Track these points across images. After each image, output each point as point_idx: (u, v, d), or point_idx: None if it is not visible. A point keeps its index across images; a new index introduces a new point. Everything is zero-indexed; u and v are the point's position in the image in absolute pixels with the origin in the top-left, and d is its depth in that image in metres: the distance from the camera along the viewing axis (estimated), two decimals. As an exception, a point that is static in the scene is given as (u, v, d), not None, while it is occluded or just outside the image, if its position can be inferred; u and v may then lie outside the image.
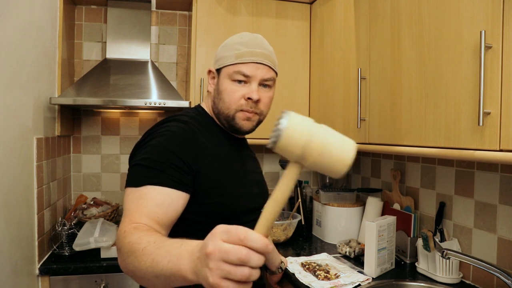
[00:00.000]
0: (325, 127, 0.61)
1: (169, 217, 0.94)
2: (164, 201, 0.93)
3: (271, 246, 0.59)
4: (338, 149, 0.59)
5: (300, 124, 0.59)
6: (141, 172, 0.97)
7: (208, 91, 1.18)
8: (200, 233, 0.88)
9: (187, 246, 0.67)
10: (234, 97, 1.09)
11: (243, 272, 0.55)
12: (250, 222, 0.98)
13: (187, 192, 0.98)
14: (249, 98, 1.08)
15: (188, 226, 1.02)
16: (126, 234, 0.83)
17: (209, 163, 1.04)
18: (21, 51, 1.49)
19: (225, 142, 1.15)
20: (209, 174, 1.03)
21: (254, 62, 1.09)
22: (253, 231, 0.59)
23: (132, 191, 0.94)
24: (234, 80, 1.09)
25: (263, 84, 1.11)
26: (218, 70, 1.13)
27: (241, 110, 1.10)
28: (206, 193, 1.03)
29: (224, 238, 0.58)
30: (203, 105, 1.20)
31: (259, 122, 1.16)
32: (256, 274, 0.57)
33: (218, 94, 1.12)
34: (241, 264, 0.55)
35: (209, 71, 1.17)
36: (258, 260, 0.56)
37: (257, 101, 1.10)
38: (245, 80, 1.09)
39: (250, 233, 0.57)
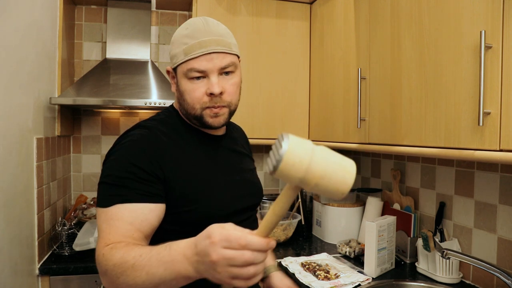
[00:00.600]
0: (324, 149, 0.59)
1: (145, 232, 0.90)
2: (136, 218, 0.90)
3: (273, 242, 0.64)
4: (339, 172, 0.58)
5: (301, 148, 0.56)
6: (107, 190, 0.92)
7: (172, 91, 1.10)
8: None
9: (177, 250, 0.70)
10: (196, 96, 1.00)
11: (249, 271, 0.61)
12: (238, 223, 0.96)
13: (160, 202, 0.94)
14: (211, 94, 0.99)
15: (167, 236, 0.93)
16: (106, 258, 0.81)
17: (178, 169, 0.97)
18: (21, 51, 1.49)
19: (197, 144, 1.07)
20: (179, 180, 0.97)
21: (205, 54, 0.98)
22: (252, 235, 0.62)
23: (102, 212, 0.91)
24: (191, 78, 0.99)
25: (224, 72, 1.01)
26: (174, 69, 1.04)
27: (207, 108, 1.01)
28: (179, 201, 0.97)
29: (226, 245, 0.61)
30: (175, 105, 1.13)
31: (231, 113, 1.06)
32: (262, 266, 0.63)
33: (180, 95, 1.04)
34: (247, 265, 0.61)
35: (168, 71, 1.08)
36: (262, 257, 0.62)
37: (220, 94, 1.00)
38: (202, 75, 0.99)
39: (250, 239, 0.61)
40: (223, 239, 0.61)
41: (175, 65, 1.02)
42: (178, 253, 0.69)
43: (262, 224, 0.64)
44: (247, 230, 0.65)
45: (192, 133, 1.07)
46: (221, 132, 1.14)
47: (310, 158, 0.56)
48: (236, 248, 0.61)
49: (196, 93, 1.00)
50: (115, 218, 0.89)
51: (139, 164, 0.92)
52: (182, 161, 0.99)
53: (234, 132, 1.24)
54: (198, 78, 0.99)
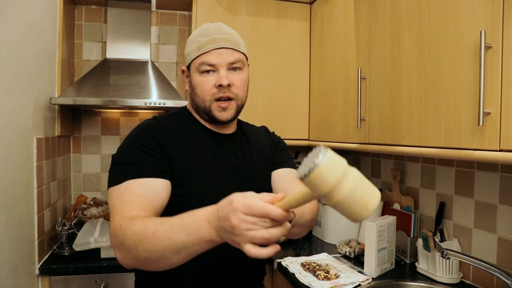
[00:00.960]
0: (356, 171, 0.60)
1: (156, 206, 0.95)
2: (148, 191, 0.95)
3: (292, 215, 0.68)
4: (365, 196, 0.59)
5: (336, 165, 0.58)
6: (119, 170, 0.98)
7: (186, 90, 1.19)
8: None
9: (200, 215, 0.73)
10: (206, 88, 1.08)
11: (264, 236, 0.65)
12: None
13: (166, 178, 1.00)
14: (220, 85, 1.07)
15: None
16: (124, 227, 0.84)
17: (178, 155, 1.04)
18: (21, 51, 1.49)
19: (202, 138, 1.13)
20: (177, 165, 1.03)
21: (215, 49, 1.07)
22: (273, 206, 0.65)
23: (114, 190, 0.96)
24: (202, 72, 1.08)
25: (232, 68, 1.09)
26: (188, 68, 1.13)
27: (216, 100, 1.08)
28: (180, 183, 1.02)
29: (246, 212, 0.65)
30: (188, 105, 1.21)
31: (238, 108, 1.13)
32: (277, 236, 0.66)
33: (192, 90, 1.12)
34: (265, 233, 0.65)
35: (183, 71, 1.17)
36: (278, 228, 0.66)
37: (229, 86, 1.08)
38: (212, 69, 1.07)
39: (271, 209, 0.64)
40: (245, 205, 0.65)
41: (189, 62, 1.11)
42: (202, 218, 0.73)
43: (287, 199, 0.67)
44: (268, 198, 0.67)
45: (199, 129, 1.14)
46: (230, 130, 1.19)
47: (342, 176, 0.57)
48: (256, 215, 0.65)
49: (206, 85, 1.08)
50: (128, 192, 0.93)
51: (147, 144, 1.01)
52: (183, 149, 1.06)
53: (250, 132, 1.26)
54: (208, 72, 1.08)
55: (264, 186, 1.22)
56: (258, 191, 1.16)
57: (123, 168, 0.98)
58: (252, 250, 0.65)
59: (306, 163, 0.59)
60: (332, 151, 0.59)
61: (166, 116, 1.14)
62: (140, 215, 0.89)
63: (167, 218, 0.80)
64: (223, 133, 1.17)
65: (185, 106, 1.22)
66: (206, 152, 1.11)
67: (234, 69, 1.10)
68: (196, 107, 1.12)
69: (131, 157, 0.99)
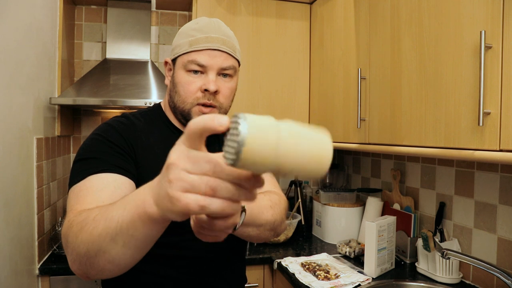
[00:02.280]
0: (289, 125, 0.47)
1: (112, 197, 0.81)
2: (107, 186, 0.82)
3: (259, 180, 0.47)
4: (314, 152, 0.48)
5: (264, 131, 0.43)
6: (80, 167, 0.87)
7: (165, 84, 1.07)
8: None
9: (147, 184, 0.55)
10: (190, 89, 0.97)
11: (209, 183, 0.43)
12: None
13: (132, 179, 0.88)
14: (206, 90, 0.96)
15: None
16: (71, 221, 0.70)
17: (148, 157, 0.94)
18: (21, 51, 1.49)
19: (174, 140, 1.00)
20: (147, 169, 0.92)
21: (209, 49, 0.96)
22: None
23: (72, 189, 0.84)
24: (189, 71, 0.97)
25: (222, 73, 0.99)
26: (174, 61, 1.02)
27: (198, 104, 0.98)
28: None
29: (191, 159, 0.45)
30: (162, 102, 1.11)
31: None
32: (234, 206, 0.45)
33: (173, 86, 1.01)
34: (212, 193, 0.44)
35: (166, 62, 1.05)
36: (237, 191, 0.45)
37: (215, 93, 0.97)
38: (201, 70, 0.97)
39: (222, 164, 0.44)
40: (189, 155, 0.46)
41: (176, 55, 1.00)
42: (145, 186, 0.55)
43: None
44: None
45: (171, 130, 1.05)
46: None
47: (276, 142, 0.43)
48: (201, 167, 0.44)
49: (191, 86, 0.97)
50: (84, 187, 0.82)
51: (114, 141, 0.91)
52: (152, 151, 0.97)
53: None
54: (196, 72, 0.97)
55: None
56: None
57: (84, 164, 0.87)
58: (189, 201, 0.43)
59: (228, 144, 0.43)
60: (250, 115, 0.43)
61: (138, 115, 1.04)
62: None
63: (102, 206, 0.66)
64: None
65: (159, 104, 1.11)
66: None
67: (224, 75, 1.00)
68: (174, 106, 1.02)
69: (94, 152, 0.88)
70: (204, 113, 0.97)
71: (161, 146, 0.98)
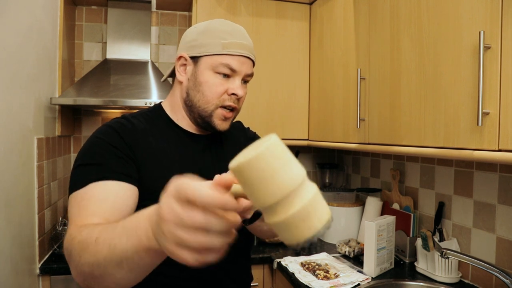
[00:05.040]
0: (314, 185, 0.46)
1: (119, 212, 0.81)
2: (109, 195, 0.82)
3: (244, 204, 0.49)
4: (315, 219, 0.45)
5: (279, 154, 0.45)
6: (81, 172, 0.86)
7: (178, 81, 1.03)
8: None
9: (145, 212, 0.55)
10: (217, 91, 0.97)
11: (198, 240, 0.44)
12: None
13: (134, 184, 0.88)
14: (233, 94, 0.98)
15: None
16: (72, 236, 0.71)
17: (149, 160, 0.93)
18: (22, 52, 1.49)
19: (176, 141, 1.01)
20: (148, 172, 0.91)
21: (241, 55, 0.99)
22: (209, 188, 0.45)
23: (73, 196, 0.84)
24: (218, 73, 0.97)
25: (244, 80, 1.02)
26: (195, 58, 0.99)
27: (221, 107, 0.99)
28: (144, 193, 0.89)
29: (179, 197, 0.45)
30: (165, 102, 1.09)
31: (233, 120, 1.05)
32: (220, 239, 0.45)
33: (195, 86, 0.99)
34: (197, 229, 0.44)
35: (180, 57, 1.01)
36: (220, 223, 0.44)
37: (239, 98, 1.00)
38: (230, 74, 0.98)
39: (199, 191, 0.44)
40: (175, 189, 0.45)
41: (203, 54, 0.98)
42: (144, 216, 0.54)
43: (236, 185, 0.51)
44: (212, 181, 0.49)
45: (174, 130, 1.03)
46: (206, 132, 1.07)
47: (300, 182, 0.44)
48: (183, 202, 0.44)
49: (218, 88, 0.98)
50: (86, 197, 0.82)
51: (114, 144, 0.89)
52: (155, 153, 0.95)
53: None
54: (224, 75, 0.98)
55: None
56: None
57: (85, 170, 0.86)
58: (188, 259, 0.45)
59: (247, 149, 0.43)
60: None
61: (139, 116, 1.01)
62: (96, 222, 0.76)
63: (116, 221, 0.66)
64: (200, 134, 1.05)
65: (160, 105, 1.08)
66: (180, 158, 0.99)
67: (245, 81, 1.03)
68: (192, 105, 1.00)
69: (95, 157, 0.87)
70: (226, 117, 1.00)
71: (163, 146, 0.98)
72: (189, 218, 0.44)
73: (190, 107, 1.01)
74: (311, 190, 0.45)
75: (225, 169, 0.98)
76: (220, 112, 0.99)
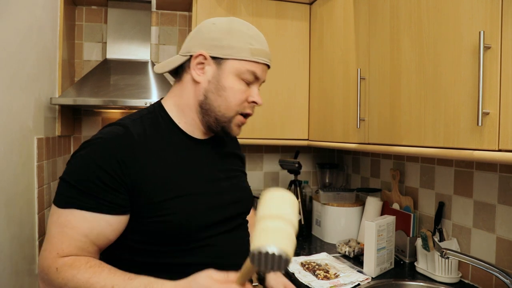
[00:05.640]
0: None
1: (100, 246, 0.86)
2: (92, 229, 0.83)
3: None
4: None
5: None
6: (66, 190, 0.85)
7: (194, 81, 0.96)
8: (143, 253, 0.89)
9: (167, 285, 0.78)
10: (240, 98, 0.95)
11: None
12: (222, 233, 0.95)
13: (121, 213, 0.86)
14: (253, 102, 0.98)
15: (129, 246, 0.90)
16: (63, 275, 0.78)
17: (149, 173, 0.88)
18: (22, 52, 1.49)
19: (178, 147, 0.96)
20: (148, 186, 0.87)
21: (265, 64, 0.97)
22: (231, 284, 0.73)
23: (56, 212, 0.84)
24: (243, 79, 0.95)
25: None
26: (218, 59, 0.94)
27: (240, 114, 0.98)
28: (146, 208, 0.88)
29: None
30: (167, 101, 1.02)
31: None
32: None
33: (217, 90, 0.94)
34: None
35: (199, 55, 0.94)
36: None
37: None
38: (252, 81, 0.96)
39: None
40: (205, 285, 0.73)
41: (229, 57, 0.93)
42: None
43: (240, 272, 0.73)
44: (230, 277, 0.74)
45: (175, 134, 0.98)
46: (207, 135, 1.04)
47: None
48: None
49: (242, 95, 0.96)
50: (70, 226, 0.82)
51: (106, 167, 0.84)
52: (155, 164, 0.90)
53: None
54: (247, 83, 0.96)
55: (248, 192, 1.13)
56: (245, 199, 1.10)
57: (71, 191, 0.84)
58: None
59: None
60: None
61: (137, 119, 0.94)
62: (78, 255, 0.81)
63: (119, 279, 0.77)
64: (201, 138, 1.02)
65: (160, 104, 1.01)
66: (184, 166, 0.95)
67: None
68: (210, 108, 0.95)
69: (83, 181, 0.83)
70: (242, 124, 1.00)
71: (165, 154, 0.93)
72: None
73: (206, 110, 0.96)
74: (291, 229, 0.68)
75: (225, 173, 1.03)
76: (239, 118, 0.98)
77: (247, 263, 0.68)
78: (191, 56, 0.95)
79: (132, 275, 0.79)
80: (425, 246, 1.50)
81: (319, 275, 1.53)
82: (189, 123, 1.00)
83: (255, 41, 0.95)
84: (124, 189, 0.86)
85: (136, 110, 1.06)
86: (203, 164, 1.00)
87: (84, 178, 0.84)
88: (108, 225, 0.85)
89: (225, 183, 1.02)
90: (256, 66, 0.95)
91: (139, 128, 0.92)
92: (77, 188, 0.83)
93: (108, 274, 0.78)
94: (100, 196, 0.83)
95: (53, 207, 0.85)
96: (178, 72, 1.02)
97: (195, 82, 0.96)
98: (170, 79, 2.39)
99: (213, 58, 0.94)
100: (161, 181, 0.89)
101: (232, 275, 0.74)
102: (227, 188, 1.02)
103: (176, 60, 0.98)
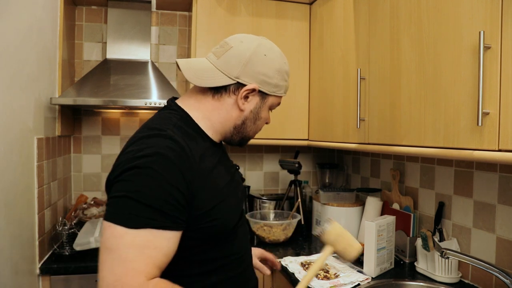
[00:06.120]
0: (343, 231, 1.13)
1: (168, 263, 0.85)
2: (170, 248, 0.83)
3: None
4: (353, 246, 1.12)
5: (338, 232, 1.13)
6: (139, 210, 0.80)
7: (239, 108, 1.01)
8: (198, 253, 0.95)
9: None
10: (263, 125, 1.09)
11: None
12: (240, 226, 1.06)
13: (183, 229, 0.88)
14: (266, 123, 1.10)
15: (187, 249, 0.92)
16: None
17: (203, 182, 0.91)
18: (22, 52, 1.49)
19: (210, 153, 1.00)
20: (206, 195, 0.91)
21: None
22: None
23: (125, 233, 0.78)
24: (270, 109, 1.09)
25: None
26: (264, 94, 1.03)
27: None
28: (203, 217, 0.91)
29: None
30: (193, 111, 1.01)
31: None
32: None
33: (255, 119, 1.04)
34: None
35: (253, 89, 1.00)
36: None
37: None
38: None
39: None
40: None
41: (273, 94, 1.04)
42: None
43: (304, 281, 1.06)
44: None
45: (204, 140, 1.00)
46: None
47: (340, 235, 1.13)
48: None
49: (265, 122, 1.09)
50: (152, 246, 0.79)
51: (177, 185, 0.84)
52: (203, 173, 0.92)
53: None
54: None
55: (243, 189, 1.24)
56: (244, 191, 1.22)
57: (143, 210, 0.80)
58: None
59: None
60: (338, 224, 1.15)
61: (177, 131, 0.93)
62: (158, 278, 0.82)
63: None
64: (218, 143, 1.08)
65: (187, 114, 1.00)
66: (219, 170, 1.00)
67: None
68: (240, 130, 1.04)
69: (158, 201, 0.81)
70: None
71: (206, 165, 0.94)
72: None
73: (238, 131, 1.05)
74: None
75: (231, 170, 1.14)
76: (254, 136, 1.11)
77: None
78: (238, 82, 0.99)
79: None
80: (425, 246, 1.50)
81: (319, 275, 1.53)
82: (215, 133, 1.04)
83: (288, 76, 1.07)
84: (187, 204, 0.86)
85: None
86: (223, 165, 1.05)
87: (157, 196, 0.81)
88: (177, 239, 0.85)
89: (234, 180, 1.09)
90: (280, 99, 1.09)
91: (180, 138, 0.91)
92: (152, 207, 0.80)
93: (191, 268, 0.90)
94: (172, 213, 0.83)
95: (116, 228, 0.79)
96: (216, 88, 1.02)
97: (239, 109, 1.02)
98: (171, 79, 2.40)
99: (260, 91, 1.02)
100: (209, 190, 0.92)
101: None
102: (237, 184, 1.11)
103: (220, 79, 0.99)
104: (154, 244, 0.80)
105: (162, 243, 0.81)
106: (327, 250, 1.10)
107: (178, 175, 0.84)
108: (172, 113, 1.00)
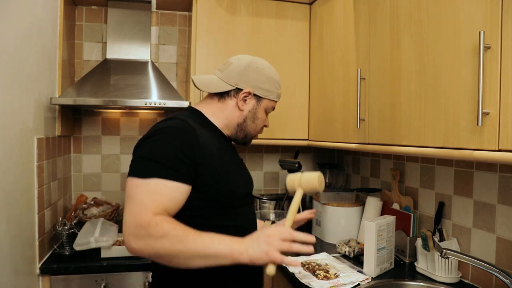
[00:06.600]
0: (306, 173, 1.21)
1: (176, 210, 1.06)
2: (174, 196, 1.04)
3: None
4: (313, 178, 1.20)
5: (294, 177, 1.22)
6: (148, 165, 1.04)
7: (239, 108, 1.28)
8: (202, 216, 1.14)
9: (236, 238, 1.01)
10: (261, 125, 1.35)
11: (285, 246, 0.99)
12: (246, 205, 1.27)
13: (190, 184, 1.08)
14: (265, 126, 1.37)
15: (198, 209, 1.13)
16: (162, 226, 0.96)
17: (210, 154, 1.14)
18: (22, 52, 1.49)
19: (218, 138, 1.26)
20: (212, 164, 1.13)
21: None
22: (291, 229, 1.02)
23: (140, 182, 1.02)
24: (266, 112, 1.34)
25: None
26: (258, 97, 1.29)
27: (257, 133, 1.36)
28: (210, 182, 1.13)
29: (278, 235, 1.00)
30: (203, 110, 1.28)
31: None
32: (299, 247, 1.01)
33: (253, 119, 1.30)
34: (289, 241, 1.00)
35: (249, 93, 1.27)
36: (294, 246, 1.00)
37: None
38: (269, 113, 1.37)
39: (290, 232, 1.01)
40: (278, 231, 1.01)
41: (266, 97, 1.30)
42: (236, 239, 1.00)
43: (288, 216, 1.11)
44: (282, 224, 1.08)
45: (214, 130, 1.27)
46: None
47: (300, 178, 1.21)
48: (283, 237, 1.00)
49: (263, 122, 1.35)
50: (158, 192, 1.02)
51: (182, 148, 1.07)
52: (213, 149, 1.16)
53: None
54: (267, 114, 1.36)
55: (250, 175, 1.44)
56: (252, 182, 1.43)
57: (154, 166, 1.04)
58: (277, 256, 0.97)
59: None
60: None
61: (189, 119, 1.18)
62: (165, 215, 1.01)
63: (208, 233, 1.00)
64: (227, 136, 1.33)
65: (202, 114, 1.27)
66: (226, 152, 1.25)
67: None
68: (243, 129, 1.30)
69: (164, 157, 1.05)
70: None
71: (214, 143, 1.19)
72: (285, 234, 1.01)
73: (241, 129, 1.31)
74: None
75: (240, 161, 1.38)
76: (255, 136, 1.36)
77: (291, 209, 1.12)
78: (237, 87, 1.27)
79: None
80: (425, 246, 1.50)
81: (319, 275, 1.53)
82: (221, 126, 1.30)
83: (279, 85, 1.34)
84: (192, 164, 1.08)
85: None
86: (231, 152, 1.31)
87: (165, 155, 1.05)
88: (183, 191, 1.06)
89: (242, 167, 1.35)
90: (275, 103, 1.35)
91: (192, 122, 1.16)
92: (159, 163, 1.04)
93: (195, 230, 1.01)
94: (176, 167, 1.05)
95: (134, 180, 1.03)
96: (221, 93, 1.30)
97: (239, 109, 1.29)
98: (171, 79, 2.40)
99: (255, 95, 1.29)
100: (216, 161, 1.16)
101: (282, 223, 1.10)
102: (245, 171, 1.36)
103: (223, 86, 1.28)
104: (161, 191, 1.02)
105: (167, 191, 1.03)
106: (297, 194, 1.18)
107: (184, 141, 1.08)
108: (186, 111, 1.28)
